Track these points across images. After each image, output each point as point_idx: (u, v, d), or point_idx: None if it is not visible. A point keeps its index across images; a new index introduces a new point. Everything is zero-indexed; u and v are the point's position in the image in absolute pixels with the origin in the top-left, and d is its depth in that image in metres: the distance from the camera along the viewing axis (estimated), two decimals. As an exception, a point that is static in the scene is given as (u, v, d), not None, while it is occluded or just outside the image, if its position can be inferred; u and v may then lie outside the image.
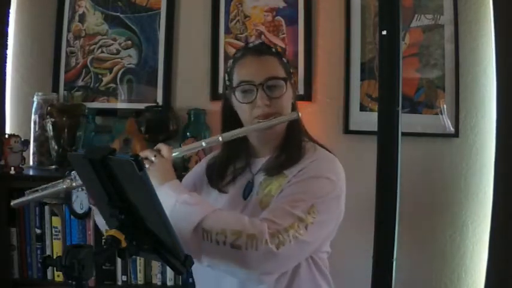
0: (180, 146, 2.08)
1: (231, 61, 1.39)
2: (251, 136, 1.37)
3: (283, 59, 1.38)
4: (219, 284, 1.30)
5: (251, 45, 1.40)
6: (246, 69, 1.34)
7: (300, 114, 1.34)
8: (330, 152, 1.37)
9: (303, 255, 1.25)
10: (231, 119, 1.38)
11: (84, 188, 1.28)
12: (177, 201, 1.18)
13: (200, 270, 1.29)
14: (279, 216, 1.18)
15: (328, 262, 1.39)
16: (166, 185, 1.21)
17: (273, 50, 1.38)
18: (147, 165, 1.22)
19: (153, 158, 1.24)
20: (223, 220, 1.17)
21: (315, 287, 1.32)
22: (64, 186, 1.28)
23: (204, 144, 1.33)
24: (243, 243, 1.13)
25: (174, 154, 1.29)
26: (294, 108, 1.39)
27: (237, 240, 1.13)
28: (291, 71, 1.41)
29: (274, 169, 1.32)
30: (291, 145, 1.35)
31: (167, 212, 1.15)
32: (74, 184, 1.27)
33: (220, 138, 1.32)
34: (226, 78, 1.39)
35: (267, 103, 1.30)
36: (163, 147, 1.27)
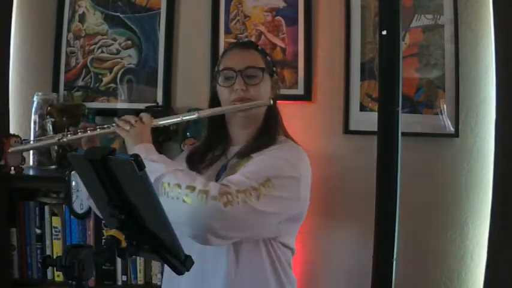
0: (181, 147, 2.12)
1: (222, 55, 1.59)
2: (231, 125, 1.54)
3: (268, 57, 1.55)
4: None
5: (241, 41, 1.55)
6: (230, 58, 1.52)
7: (271, 102, 1.48)
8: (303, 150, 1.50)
9: (252, 222, 1.30)
10: (214, 105, 1.54)
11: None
12: (145, 159, 1.21)
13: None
14: (234, 182, 1.29)
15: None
16: (140, 145, 1.36)
17: (259, 48, 1.56)
18: (127, 127, 1.39)
19: (133, 122, 1.42)
20: (180, 177, 1.27)
21: (277, 279, 1.40)
22: (56, 139, 1.50)
23: (182, 118, 1.51)
24: (194, 197, 1.22)
25: (153, 123, 1.47)
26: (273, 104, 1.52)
27: (189, 194, 1.22)
28: (275, 69, 1.56)
29: (245, 153, 1.46)
30: (264, 136, 1.50)
31: None
32: (65, 140, 1.49)
33: (196, 114, 1.49)
34: (216, 68, 1.56)
35: (244, 88, 1.45)
36: (144, 115, 1.47)
